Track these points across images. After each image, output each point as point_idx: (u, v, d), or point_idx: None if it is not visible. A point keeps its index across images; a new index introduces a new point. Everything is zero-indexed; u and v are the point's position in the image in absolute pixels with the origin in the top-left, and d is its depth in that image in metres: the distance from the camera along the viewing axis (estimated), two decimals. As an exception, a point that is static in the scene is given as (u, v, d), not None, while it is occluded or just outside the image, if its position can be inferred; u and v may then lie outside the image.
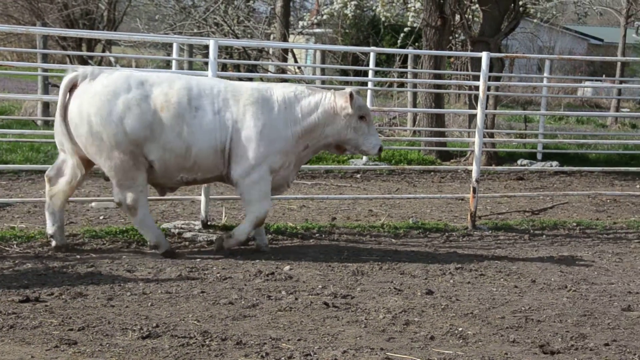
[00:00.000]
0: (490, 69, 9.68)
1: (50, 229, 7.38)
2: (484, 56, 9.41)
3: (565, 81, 26.21)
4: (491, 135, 14.51)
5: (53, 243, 7.40)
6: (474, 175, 9.44)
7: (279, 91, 7.59)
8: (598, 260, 8.10)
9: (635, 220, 10.12)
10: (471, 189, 9.47)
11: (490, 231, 9.29)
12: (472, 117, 14.19)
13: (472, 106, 13.76)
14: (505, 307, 6.18)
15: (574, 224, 9.76)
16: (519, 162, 14.97)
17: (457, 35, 20.63)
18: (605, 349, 5.31)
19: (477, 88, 9.72)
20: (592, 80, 29.41)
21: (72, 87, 7.12)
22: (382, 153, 7.90)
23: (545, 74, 16.28)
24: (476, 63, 12.89)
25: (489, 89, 9.37)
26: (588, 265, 7.82)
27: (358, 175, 12.92)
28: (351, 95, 7.57)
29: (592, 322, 5.88)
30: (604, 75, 31.69)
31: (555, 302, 6.40)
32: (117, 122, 6.98)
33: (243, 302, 6.04)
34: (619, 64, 24.46)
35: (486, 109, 9.55)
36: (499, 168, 12.93)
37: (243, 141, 7.28)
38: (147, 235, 7.39)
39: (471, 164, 9.65)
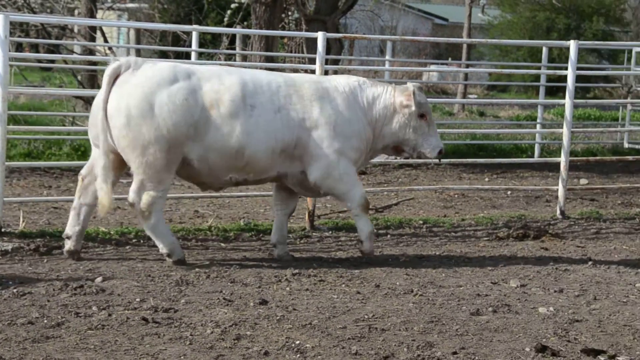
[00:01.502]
0: (328, 51, 9.86)
1: (69, 229, 7.59)
2: (320, 36, 9.56)
3: (409, 64, 27.04)
4: (329, 125, 14.75)
5: (66, 246, 7.62)
6: (311, 169, 9.56)
7: (343, 81, 7.91)
8: (446, 260, 8.40)
9: (484, 217, 10.56)
10: (308, 185, 9.59)
11: (330, 232, 9.45)
12: (309, 105, 14.37)
13: (308, 92, 13.92)
14: (346, 316, 6.31)
15: (421, 222, 10.09)
16: (360, 154, 15.29)
17: (290, 13, 20.82)
18: (454, 357, 5.51)
19: (313, 72, 9.86)
20: (437, 63, 30.51)
21: (115, 78, 7.31)
22: (441, 156, 8.18)
23: (388, 57, 16.73)
24: (312, 44, 13.09)
25: (326, 72, 9.51)
26: (435, 266, 8.09)
27: (181, 172, 12.82)
28: (414, 93, 7.84)
29: (439, 329, 6.08)
30: (449, 59, 32.91)
31: (400, 308, 6.58)
32: (159, 117, 7.17)
33: (46, 320, 5.87)
34: (465, 46, 25.38)
35: (324, 95, 9.67)
36: (339, 161, 13.13)
37: (316, 140, 7.57)
38: (160, 242, 7.51)
39: (308, 157, 9.76)
